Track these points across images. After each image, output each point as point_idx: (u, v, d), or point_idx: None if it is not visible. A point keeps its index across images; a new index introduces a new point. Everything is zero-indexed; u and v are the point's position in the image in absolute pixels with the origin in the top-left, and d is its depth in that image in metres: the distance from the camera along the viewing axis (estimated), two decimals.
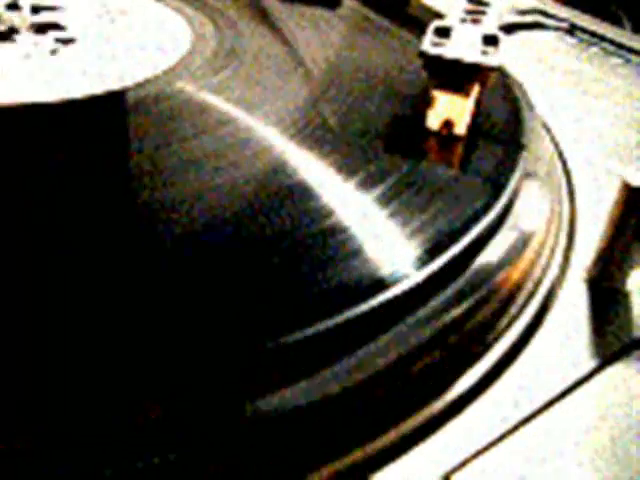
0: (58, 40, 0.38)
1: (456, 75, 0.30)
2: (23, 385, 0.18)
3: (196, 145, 0.29)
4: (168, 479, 0.18)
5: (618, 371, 0.25)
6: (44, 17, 0.40)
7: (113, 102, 0.33)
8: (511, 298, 0.27)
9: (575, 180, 0.36)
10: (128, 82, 0.34)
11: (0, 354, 0.19)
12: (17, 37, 0.38)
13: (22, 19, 0.39)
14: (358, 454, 0.21)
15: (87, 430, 0.18)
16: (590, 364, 0.25)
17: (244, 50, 0.38)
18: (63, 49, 0.37)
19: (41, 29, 0.39)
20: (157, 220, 0.25)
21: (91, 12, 0.42)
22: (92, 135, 0.30)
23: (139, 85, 0.34)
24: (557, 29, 0.55)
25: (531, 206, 0.30)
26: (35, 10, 0.40)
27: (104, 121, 0.32)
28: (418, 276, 0.23)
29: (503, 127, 0.33)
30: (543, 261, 0.29)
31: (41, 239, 0.24)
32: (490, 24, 0.33)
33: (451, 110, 0.30)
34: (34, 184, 0.27)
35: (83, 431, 0.18)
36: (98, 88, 0.33)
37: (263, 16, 0.44)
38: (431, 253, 0.24)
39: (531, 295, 0.27)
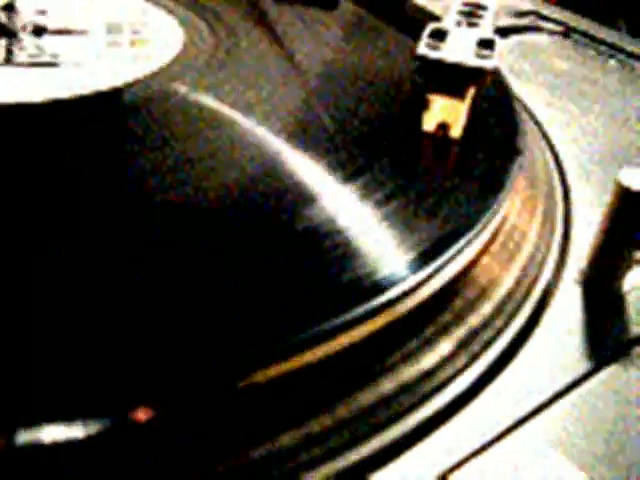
0: (52, 41, 0.38)
1: (452, 78, 0.30)
2: (23, 386, 0.18)
3: (188, 145, 0.29)
4: (168, 479, 0.18)
5: (614, 371, 0.25)
6: (38, 19, 0.40)
7: (106, 102, 0.33)
8: (507, 299, 0.27)
9: (570, 182, 0.36)
10: (120, 82, 0.34)
11: (0, 355, 0.19)
12: (11, 38, 0.38)
13: (17, 20, 0.39)
14: (358, 454, 0.21)
15: (87, 430, 0.18)
16: (587, 365, 0.25)
17: (238, 50, 0.38)
18: (56, 50, 0.37)
19: (35, 30, 0.39)
20: (151, 220, 0.25)
21: (84, 13, 0.42)
22: (85, 135, 0.30)
23: (131, 85, 0.34)
24: (553, 32, 0.56)
25: (526, 208, 0.31)
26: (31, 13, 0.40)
27: (97, 120, 0.32)
28: (413, 279, 0.23)
29: (498, 130, 0.33)
30: (538, 263, 0.29)
31: (37, 241, 0.24)
32: (486, 27, 0.34)
33: (447, 113, 0.31)
34: (28, 183, 0.27)
35: (83, 431, 0.18)
36: (90, 88, 0.33)
37: (258, 17, 0.44)
38: (426, 256, 0.24)
39: (527, 296, 0.28)
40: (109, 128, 0.31)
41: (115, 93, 0.33)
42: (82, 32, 0.39)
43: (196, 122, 0.31)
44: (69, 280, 0.22)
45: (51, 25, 0.39)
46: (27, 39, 0.38)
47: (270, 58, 0.38)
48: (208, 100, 0.33)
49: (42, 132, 0.30)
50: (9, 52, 0.37)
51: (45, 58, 0.36)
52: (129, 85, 0.34)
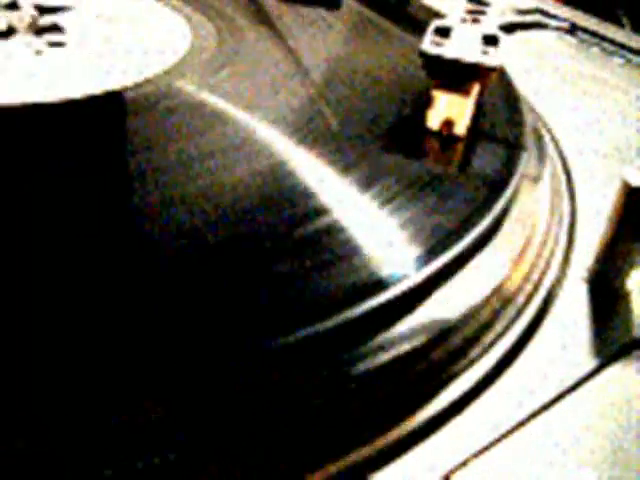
0: (57, 40, 0.38)
1: (456, 75, 0.30)
2: (23, 386, 0.18)
3: (195, 145, 0.29)
4: (168, 479, 0.18)
5: (618, 371, 0.25)
6: (44, 17, 0.40)
7: (113, 102, 0.33)
8: (511, 298, 0.27)
9: (575, 179, 0.36)
10: (128, 82, 0.34)
11: (0, 355, 0.19)
12: (16, 37, 0.38)
13: (21, 19, 0.39)
14: (358, 454, 0.21)
15: (87, 430, 0.18)
16: (590, 364, 0.25)
17: (243, 50, 0.38)
18: (62, 49, 0.37)
19: (40, 29, 0.39)
20: (156, 220, 0.25)
21: (90, 12, 0.42)
22: (92, 135, 0.30)
23: (139, 85, 0.34)
24: (557, 29, 0.55)
25: (531, 206, 0.31)
26: (37, 10, 0.40)
27: (104, 121, 0.32)
28: (418, 276, 0.23)
29: (503, 127, 0.33)
30: (543, 261, 0.29)
31: (39, 239, 0.24)
32: (490, 24, 0.33)
33: (451, 110, 0.30)
34: (32, 184, 0.27)
35: (83, 431, 0.18)
36: (97, 88, 0.33)
37: (262, 16, 0.44)
38: (431, 253, 0.24)
39: (531, 295, 0.27)
40: (116, 128, 0.31)
41: (123, 93, 0.33)
42: (84, 33, 0.39)
43: (202, 122, 0.31)
44: (70, 282, 0.22)
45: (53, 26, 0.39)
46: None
47: (274, 57, 0.38)
48: (214, 100, 0.33)
49: (47, 132, 0.30)
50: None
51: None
52: (139, 85, 0.34)
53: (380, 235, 0.25)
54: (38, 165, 0.28)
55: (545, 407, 0.23)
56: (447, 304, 0.24)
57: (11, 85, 0.33)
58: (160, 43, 0.39)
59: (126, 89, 0.33)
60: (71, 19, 0.40)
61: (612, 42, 0.54)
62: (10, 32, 0.38)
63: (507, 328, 0.26)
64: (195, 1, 0.44)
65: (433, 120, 0.31)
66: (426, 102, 0.31)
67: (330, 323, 0.21)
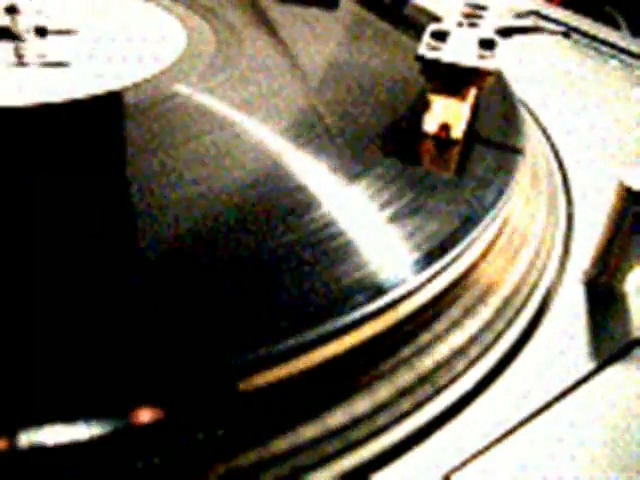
0: (54, 42, 0.38)
1: (453, 79, 0.30)
2: (24, 386, 0.18)
3: (191, 148, 0.29)
4: (168, 479, 0.18)
5: (617, 371, 0.25)
6: (40, 20, 0.40)
7: (108, 103, 0.33)
8: (509, 299, 0.27)
9: (572, 182, 0.36)
10: (122, 83, 0.34)
11: (1, 356, 0.19)
12: (15, 39, 0.38)
13: (20, 22, 0.39)
14: (359, 454, 0.21)
15: (87, 430, 0.18)
16: (589, 365, 0.25)
17: (240, 52, 0.38)
18: (59, 51, 0.37)
19: (38, 32, 0.39)
20: (152, 223, 0.25)
21: (86, 14, 0.42)
22: (87, 136, 0.30)
23: (133, 87, 0.34)
24: (554, 32, 0.56)
25: (528, 208, 0.31)
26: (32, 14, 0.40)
27: (98, 122, 0.32)
28: (415, 280, 0.23)
29: (500, 131, 0.33)
30: (541, 263, 0.29)
31: (36, 243, 0.24)
32: (487, 28, 0.34)
33: (448, 114, 0.31)
34: (29, 183, 0.27)
35: (83, 431, 0.18)
36: (93, 89, 0.33)
37: (260, 17, 0.44)
38: (428, 257, 0.24)
39: (529, 296, 0.28)
40: (112, 130, 0.31)
41: (119, 95, 0.33)
42: (84, 33, 0.40)
43: (199, 124, 0.31)
44: (71, 282, 0.22)
45: (51, 26, 0.39)
46: (31, 41, 0.38)
47: (270, 58, 0.38)
48: (211, 101, 0.33)
49: (45, 135, 0.30)
50: (19, 54, 0.37)
51: (54, 58, 0.37)
52: (134, 86, 0.34)
53: (377, 240, 0.25)
54: (30, 166, 0.28)
55: (544, 408, 0.23)
56: (447, 304, 0.25)
57: (9, 86, 0.33)
58: (155, 44, 0.39)
59: (121, 91, 0.33)
60: (65, 22, 0.40)
61: (609, 44, 0.54)
62: (12, 36, 0.38)
63: (505, 329, 0.26)
64: (190, 1, 0.44)
65: (430, 124, 0.31)
66: (423, 106, 0.31)
67: (328, 327, 0.21)
